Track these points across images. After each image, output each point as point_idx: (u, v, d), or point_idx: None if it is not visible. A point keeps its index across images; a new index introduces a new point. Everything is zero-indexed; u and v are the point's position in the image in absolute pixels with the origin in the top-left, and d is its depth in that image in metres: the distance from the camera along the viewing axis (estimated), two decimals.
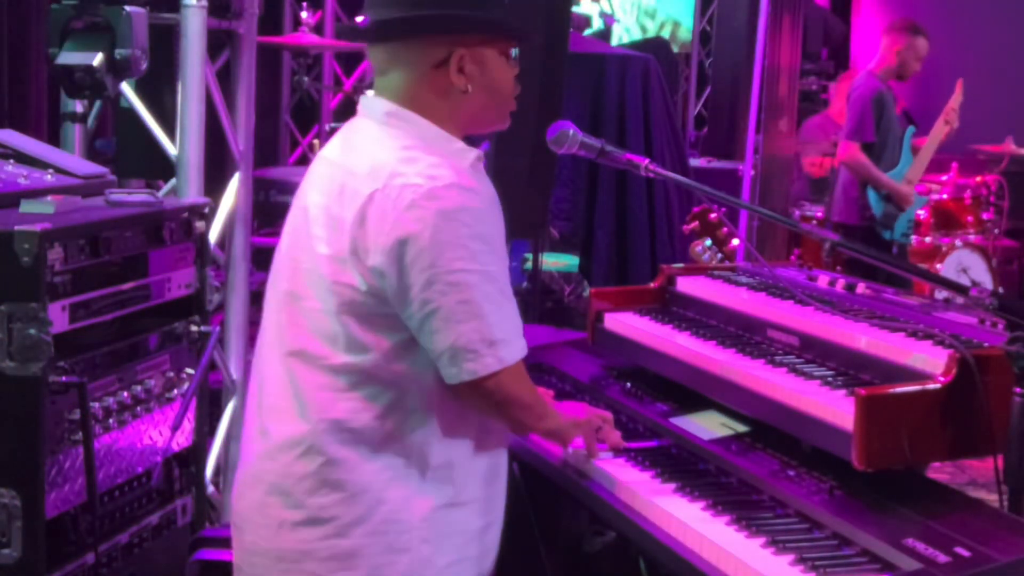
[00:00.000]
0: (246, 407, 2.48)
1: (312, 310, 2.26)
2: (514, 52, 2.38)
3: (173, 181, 3.85)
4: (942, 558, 2.06)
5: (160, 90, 3.91)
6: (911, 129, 6.72)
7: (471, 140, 2.43)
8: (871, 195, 6.57)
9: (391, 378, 2.22)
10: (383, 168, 2.20)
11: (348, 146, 2.33)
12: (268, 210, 5.55)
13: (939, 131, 6.65)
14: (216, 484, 4.01)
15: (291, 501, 2.26)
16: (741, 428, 2.72)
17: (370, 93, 2.40)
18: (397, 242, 2.15)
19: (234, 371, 4.16)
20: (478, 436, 2.31)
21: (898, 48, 6.62)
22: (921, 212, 6.90)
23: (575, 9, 7.96)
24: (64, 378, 2.69)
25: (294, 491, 2.26)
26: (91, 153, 4.19)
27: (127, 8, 3.48)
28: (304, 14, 6.29)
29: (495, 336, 2.20)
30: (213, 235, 3.92)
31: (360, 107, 2.38)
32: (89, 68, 3.44)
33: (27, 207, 2.86)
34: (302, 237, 2.31)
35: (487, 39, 2.30)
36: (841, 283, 3.05)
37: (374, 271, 2.17)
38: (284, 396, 2.30)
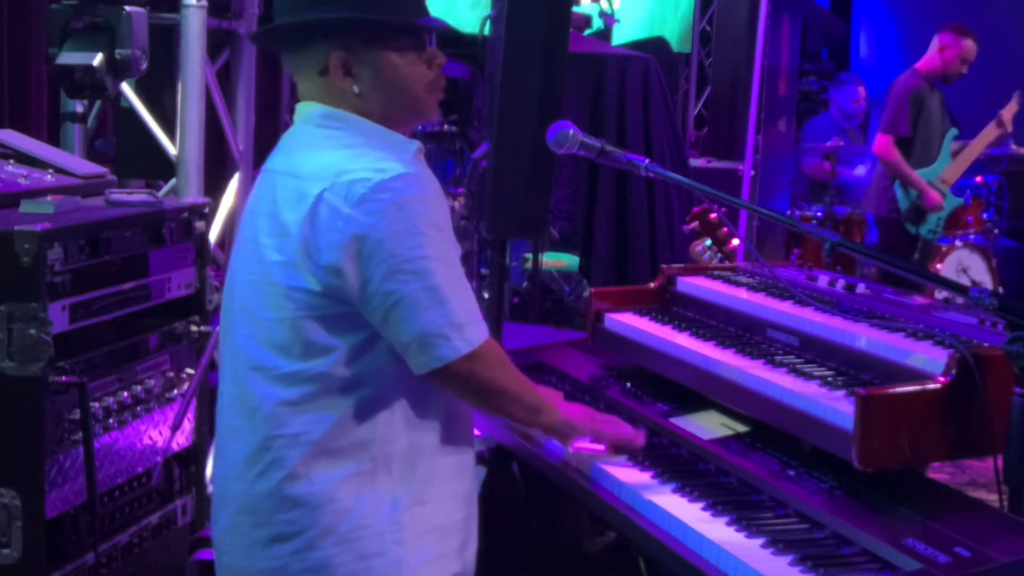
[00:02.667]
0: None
1: (264, 320, 2.23)
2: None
3: (173, 181, 3.86)
4: (942, 558, 2.06)
5: (160, 90, 3.91)
6: (953, 131, 6.73)
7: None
8: (898, 189, 6.60)
9: (348, 383, 2.20)
10: (329, 167, 2.19)
11: (290, 153, 2.32)
12: None
13: (990, 134, 6.67)
14: None
15: (258, 519, 2.25)
16: (741, 428, 2.72)
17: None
18: (353, 238, 2.13)
19: None
20: (442, 432, 2.29)
21: (948, 51, 6.65)
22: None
23: (575, 9, 7.95)
24: (64, 378, 2.70)
25: (260, 509, 2.24)
26: (91, 153, 4.19)
27: (127, 8, 3.48)
28: None
29: (461, 319, 2.19)
30: (213, 235, 3.92)
31: (296, 115, 2.36)
32: (89, 68, 3.44)
33: (27, 207, 2.86)
34: (251, 248, 2.29)
35: (368, 40, 2.26)
36: (841, 283, 3.05)
37: (328, 269, 2.15)
38: (238, 414, 2.29)
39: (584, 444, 2.64)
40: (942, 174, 6.63)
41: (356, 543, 2.21)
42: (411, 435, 2.25)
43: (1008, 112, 6.75)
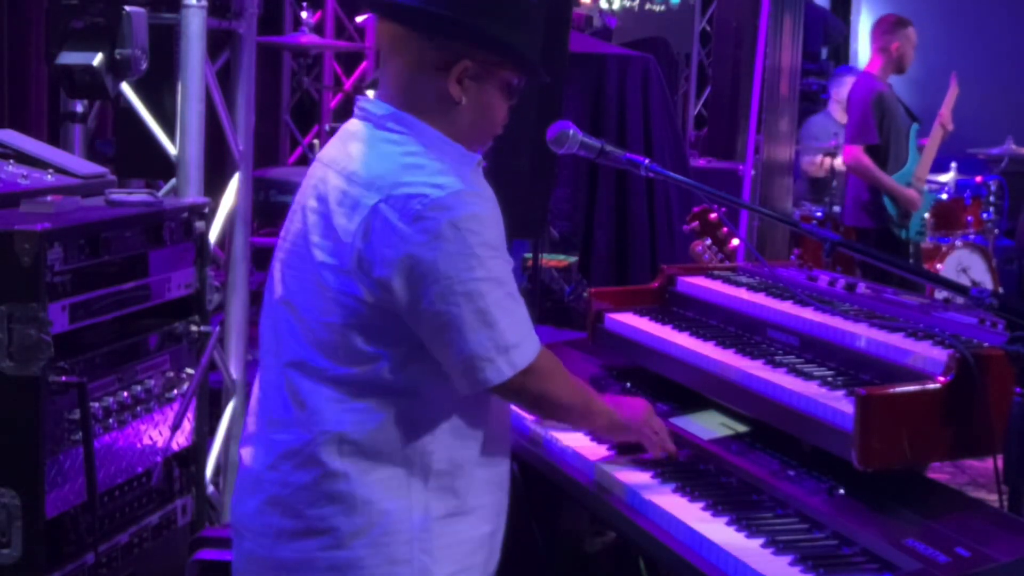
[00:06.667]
0: (248, 410, 2.46)
1: (310, 320, 2.22)
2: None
3: (173, 181, 3.85)
4: (942, 558, 2.06)
5: (160, 90, 3.91)
6: (915, 126, 6.73)
7: None
8: (885, 196, 6.57)
9: (392, 390, 2.20)
10: (385, 176, 2.17)
11: (347, 151, 2.28)
12: (268, 210, 5.56)
13: (937, 136, 6.69)
14: (216, 484, 4.01)
15: (290, 511, 2.24)
16: (741, 428, 2.72)
17: (370, 93, 2.38)
18: (406, 255, 2.12)
19: (234, 371, 4.16)
20: (483, 446, 2.29)
21: (896, 44, 6.64)
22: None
23: (575, 9, 7.96)
24: (64, 378, 2.69)
25: (293, 501, 2.24)
26: (91, 153, 4.19)
27: (127, 8, 3.48)
28: (304, 14, 6.29)
29: (508, 342, 2.18)
30: (213, 235, 3.92)
31: (358, 108, 2.33)
32: (89, 68, 3.44)
33: (27, 207, 2.86)
34: (299, 244, 2.27)
35: (496, 62, 2.26)
36: (841, 283, 3.05)
37: (379, 283, 2.14)
38: (284, 406, 2.27)
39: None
40: (916, 172, 6.62)
41: (386, 547, 2.20)
42: (453, 446, 2.24)
43: (948, 103, 6.75)
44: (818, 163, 7.86)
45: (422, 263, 2.12)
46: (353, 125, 2.33)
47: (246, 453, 2.38)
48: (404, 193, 2.14)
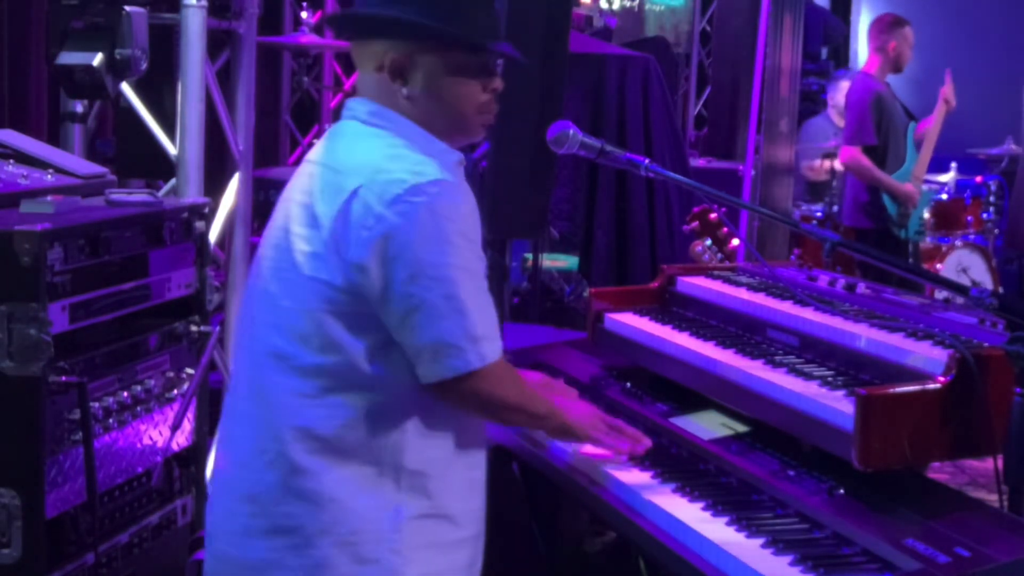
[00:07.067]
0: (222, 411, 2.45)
1: (287, 309, 2.23)
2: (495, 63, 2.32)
3: (173, 181, 3.86)
4: (942, 558, 2.06)
5: (160, 90, 3.91)
6: (912, 124, 6.73)
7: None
8: (884, 195, 6.57)
9: (363, 383, 2.19)
10: (368, 164, 2.20)
11: (332, 147, 2.32)
12: (268, 210, 5.51)
13: (940, 115, 6.67)
14: None
15: (259, 509, 2.23)
16: (741, 428, 2.72)
17: None
18: (381, 236, 2.13)
19: None
20: (455, 447, 2.27)
21: (893, 44, 6.65)
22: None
23: (575, 9, 7.96)
24: (64, 378, 2.69)
25: (262, 499, 2.23)
26: (91, 153, 4.19)
27: (127, 8, 3.48)
28: (304, 14, 6.28)
29: (478, 332, 2.18)
30: (213, 235, 3.92)
31: (345, 109, 2.36)
32: (89, 68, 3.44)
33: (27, 207, 2.86)
34: (281, 236, 2.29)
35: (426, 48, 2.26)
36: (841, 283, 3.05)
37: (354, 266, 2.15)
38: (252, 401, 2.27)
39: (591, 449, 2.64)
40: (914, 170, 6.62)
41: (353, 547, 2.19)
42: (424, 447, 2.23)
43: (948, 89, 6.76)
44: (817, 166, 7.86)
45: (395, 244, 2.13)
46: (339, 125, 2.37)
47: (218, 452, 2.39)
48: (385, 178, 2.16)
